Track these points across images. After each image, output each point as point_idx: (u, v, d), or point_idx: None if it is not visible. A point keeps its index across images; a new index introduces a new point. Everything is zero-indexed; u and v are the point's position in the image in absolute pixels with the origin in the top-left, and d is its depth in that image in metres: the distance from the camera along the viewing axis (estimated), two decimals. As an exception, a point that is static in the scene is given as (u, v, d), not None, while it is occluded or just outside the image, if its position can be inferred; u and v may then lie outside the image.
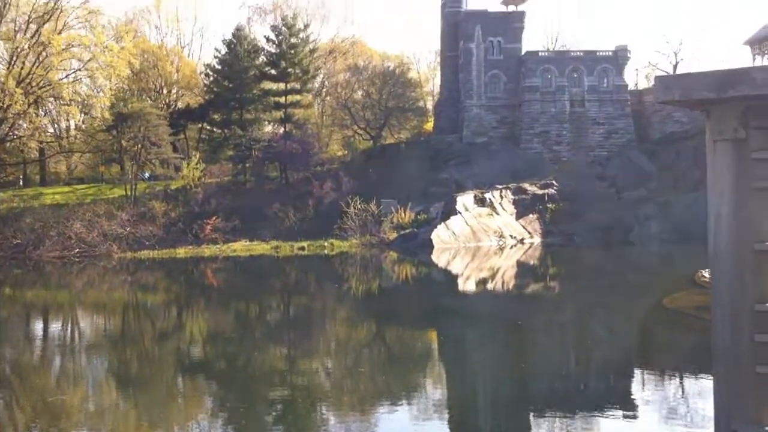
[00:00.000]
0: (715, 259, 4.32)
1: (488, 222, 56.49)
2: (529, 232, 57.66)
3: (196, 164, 60.78)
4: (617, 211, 58.19)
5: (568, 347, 21.55)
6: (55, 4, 57.45)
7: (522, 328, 24.85)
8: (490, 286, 36.63)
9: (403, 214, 55.69)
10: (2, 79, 55.24)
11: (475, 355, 20.81)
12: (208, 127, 69.91)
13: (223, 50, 66.77)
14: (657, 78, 4.17)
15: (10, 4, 57.23)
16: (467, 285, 37.45)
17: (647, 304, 28.99)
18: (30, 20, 57.77)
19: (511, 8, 70.40)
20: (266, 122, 69.75)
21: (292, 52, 64.44)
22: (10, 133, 59.34)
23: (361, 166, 65.01)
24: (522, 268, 44.79)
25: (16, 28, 58.37)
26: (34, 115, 59.18)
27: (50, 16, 57.58)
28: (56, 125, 72.83)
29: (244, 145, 61.70)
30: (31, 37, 57.44)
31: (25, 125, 59.82)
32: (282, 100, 65.18)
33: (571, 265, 46.57)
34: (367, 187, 58.85)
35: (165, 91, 76.83)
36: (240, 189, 62.59)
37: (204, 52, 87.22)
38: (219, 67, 66.96)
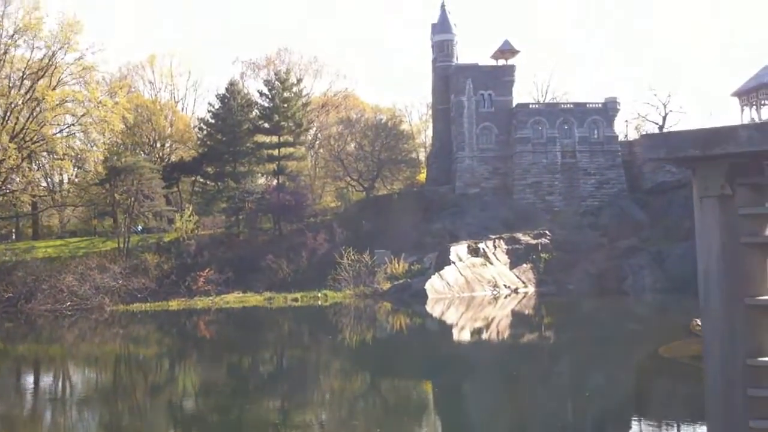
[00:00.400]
0: (707, 314, 4.38)
1: (482, 272, 56.48)
2: (523, 282, 57.65)
3: (189, 216, 60.79)
4: (610, 260, 58.30)
5: (564, 398, 21.44)
6: (49, 60, 58.05)
7: (518, 378, 24.73)
8: (485, 336, 36.51)
9: (396, 265, 55.67)
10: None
11: (470, 407, 20.68)
12: (202, 180, 70.18)
13: (217, 104, 67.39)
14: (644, 136, 4.27)
15: (4, 61, 57.80)
16: (462, 335, 37.32)
17: (643, 354, 28.93)
18: (24, 76, 58.31)
19: (501, 62, 71.42)
20: (259, 174, 70.09)
21: (285, 105, 65.05)
22: (3, 188, 59.43)
23: (354, 217, 65.13)
24: (517, 317, 44.69)
25: (11, 84, 58.87)
26: (27, 169, 59.35)
27: (45, 73, 58.13)
28: (49, 179, 73.03)
29: (237, 197, 61.88)
30: (26, 93, 57.89)
31: (18, 179, 59.95)
32: (275, 152, 65.61)
33: (565, 315, 46.50)
34: (361, 238, 58.90)
35: (159, 145, 77.27)
36: (233, 241, 62.57)
37: (198, 106, 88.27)
38: (212, 120, 67.51)
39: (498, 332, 38.05)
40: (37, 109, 56.72)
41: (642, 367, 26.27)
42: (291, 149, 66.07)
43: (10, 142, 54.07)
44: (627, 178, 66.61)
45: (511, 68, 70.48)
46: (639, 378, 24.51)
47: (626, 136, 78.24)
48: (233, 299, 52.88)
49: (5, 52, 56.63)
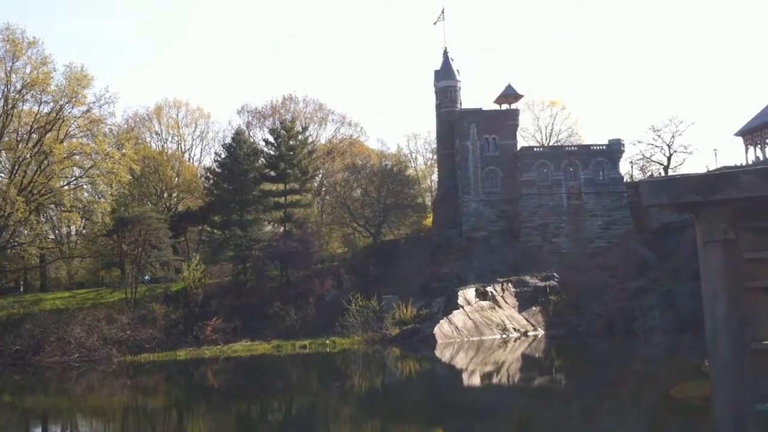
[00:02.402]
0: (714, 358, 4.38)
1: (491, 315, 56.17)
2: (533, 325, 57.25)
3: (197, 266, 60.84)
4: (620, 301, 57.89)
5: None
6: (57, 114, 58.67)
7: (529, 423, 24.47)
8: (495, 380, 36.20)
9: (404, 310, 55.42)
10: (4, 188, 55.93)
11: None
12: (209, 229, 70.35)
13: (223, 154, 67.87)
14: (645, 182, 4.33)
15: (12, 115, 58.44)
16: (472, 379, 37.01)
17: (655, 395, 28.62)
18: (32, 130, 58.90)
19: (505, 107, 71.94)
20: (266, 222, 70.24)
21: (291, 153, 65.45)
22: (11, 241, 59.69)
23: (361, 263, 65.08)
24: (527, 361, 44.33)
25: (18, 138, 59.45)
26: (35, 222, 59.61)
27: (52, 126, 58.70)
28: (57, 231, 73.31)
29: (244, 245, 61.92)
30: (33, 147, 58.42)
31: (26, 232, 60.22)
32: (281, 200, 65.85)
33: (576, 357, 46.11)
34: (368, 284, 58.78)
35: (166, 195, 77.68)
36: (241, 289, 62.47)
37: (204, 155, 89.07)
38: (219, 170, 67.91)
39: (508, 376, 37.72)
40: (45, 162, 57.19)
41: (654, 409, 25.97)
42: (297, 196, 66.28)
43: (18, 195, 54.44)
44: (634, 219, 66.50)
45: (515, 112, 70.97)
46: (651, 420, 24.22)
47: (631, 176, 78.36)
48: (241, 348, 52.63)
49: (13, 107, 57.32)
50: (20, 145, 57.64)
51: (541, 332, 56.09)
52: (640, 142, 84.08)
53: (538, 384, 34.63)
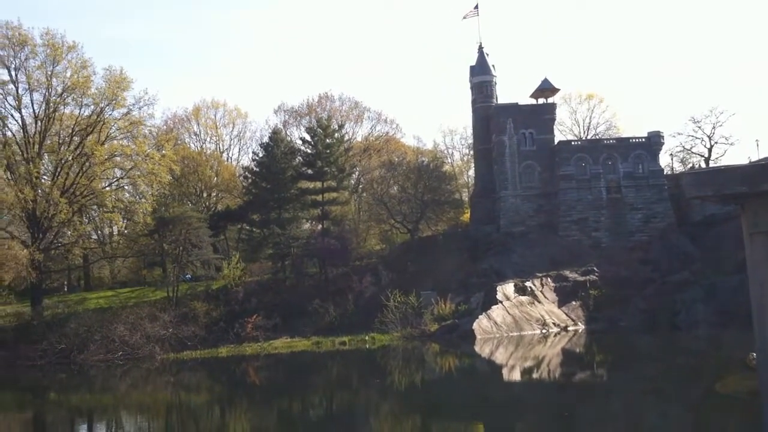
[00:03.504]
0: (762, 350, 4.34)
1: (530, 310, 55.83)
2: (573, 320, 56.77)
3: (237, 264, 61.36)
4: (662, 295, 57.15)
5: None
6: (97, 116, 59.46)
7: (571, 418, 24.31)
8: (535, 375, 35.98)
9: (443, 306, 55.35)
10: (47, 190, 56.88)
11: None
12: (248, 227, 70.84)
13: (261, 153, 68.35)
14: (688, 174, 4.30)
15: (54, 119, 59.36)
16: (512, 375, 36.82)
17: (699, 390, 28.24)
18: (74, 133, 59.75)
19: (541, 101, 71.39)
20: (304, 220, 70.57)
21: (328, 151, 65.68)
22: (55, 241, 60.66)
23: (399, 260, 65.14)
24: (568, 356, 43.98)
25: (60, 141, 60.35)
26: (78, 222, 60.49)
27: (93, 129, 59.50)
28: (99, 232, 74.37)
29: (283, 243, 62.35)
30: (75, 149, 59.25)
31: (69, 233, 61.15)
32: (319, 198, 66.12)
33: (618, 352, 45.62)
34: (406, 280, 58.79)
35: (205, 195, 78.42)
36: (280, 286, 62.97)
37: (242, 155, 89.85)
38: (257, 169, 68.39)
39: (549, 371, 37.47)
40: (87, 164, 58.00)
41: (698, 404, 25.63)
42: (334, 194, 66.49)
43: (61, 197, 55.33)
44: (675, 211, 65.66)
45: (552, 106, 70.43)
46: (695, 416, 23.90)
47: (672, 169, 77.33)
48: (281, 344, 52.97)
49: (55, 110, 58.21)
50: (62, 148, 58.55)
51: (581, 327, 55.61)
52: (680, 133, 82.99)
53: (579, 379, 34.37)
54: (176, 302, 57.57)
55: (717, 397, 24.63)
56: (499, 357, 44.50)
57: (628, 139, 68.78)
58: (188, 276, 64.63)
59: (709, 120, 75.97)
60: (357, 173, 78.44)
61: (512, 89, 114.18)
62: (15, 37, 56.61)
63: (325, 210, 65.25)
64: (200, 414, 30.97)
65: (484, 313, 53.28)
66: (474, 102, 73.37)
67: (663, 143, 68.30)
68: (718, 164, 74.41)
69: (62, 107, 59.58)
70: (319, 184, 65.64)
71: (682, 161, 79.77)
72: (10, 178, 55.93)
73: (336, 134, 67.81)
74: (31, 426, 30.64)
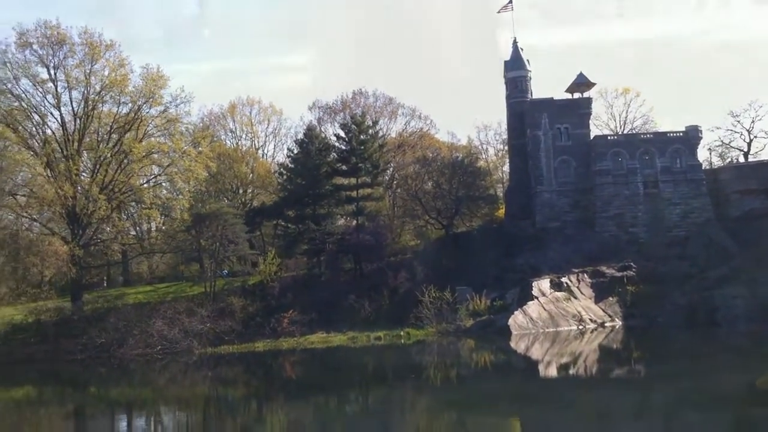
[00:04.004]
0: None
1: (566, 306, 55.46)
2: (610, 315, 56.28)
3: (272, 259, 61.77)
4: (700, 291, 56.40)
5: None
6: (135, 114, 60.26)
7: (608, 414, 24.12)
8: (572, 371, 35.75)
9: (478, 301, 55.19)
10: (87, 187, 57.79)
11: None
12: (283, 223, 71.27)
13: (296, 149, 68.74)
14: (730, 168, 4.22)
15: (92, 117, 60.25)
16: (548, 371, 36.62)
17: (739, 386, 27.83)
18: (112, 130, 60.61)
19: (577, 95, 70.84)
20: (339, 216, 70.81)
21: (362, 147, 65.87)
22: (95, 237, 61.59)
23: (434, 255, 64.97)
24: (604, 352, 43.64)
25: (99, 139, 61.26)
26: (117, 219, 61.36)
27: (131, 126, 60.31)
28: (138, 228, 75.35)
29: (318, 239, 62.67)
30: (113, 146, 60.10)
31: (108, 229, 62.07)
32: (354, 194, 66.33)
33: (656, 348, 45.10)
34: (441, 276, 58.64)
35: (241, 191, 79.04)
36: (315, 282, 63.29)
37: (277, 151, 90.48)
38: (292, 165, 68.78)
39: (585, 367, 37.22)
40: (125, 161, 58.79)
41: (738, 400, 25.24)
42: (369, 190, 66.65)
43: (100, 193, 56.16)
44: (713, 206, 64.74)
45: (588, 101, 69.80)
46: (736, 413, 23.54)
47: (710, 163, 76.30)
48: (317, 339, 53.25)
49: (93, 108, 59.07)
50: (101, 145, 59.40)
51: (618, 323, 55.10)
52: (718, 128, 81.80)
53: (616, 375, 34.08)
54: (213, 297, 58.18)
55: (759, 393, 24.25)
56: (535, 353, 44.26)
57: (665, 133, 67.95)
58: (225, 272, 65.24)
59: (748, 114, 74.76)
60: (391, 169, 78.51)
61: (547, 84, 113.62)
62: (53, 36, 57.56)
63: (360, 206, 65.42)
64: (238, 408, 31.25)
65: (519, 309, 53.03)
66: (508, 97, 72.96)
67: (701, 137, 67.38)
68: (757, 158, 73.30)
69: (100, 105, 60.46)
70: (353, 180, 65.85)
71: (721, 156, 78.63)
72: (50, 175, 56.88)
73: (370, 130, 67.94)
74: (72, 419, 31.16)
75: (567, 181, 67.39)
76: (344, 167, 66.74)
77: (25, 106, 58.49)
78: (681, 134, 66.92)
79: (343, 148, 67.10)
